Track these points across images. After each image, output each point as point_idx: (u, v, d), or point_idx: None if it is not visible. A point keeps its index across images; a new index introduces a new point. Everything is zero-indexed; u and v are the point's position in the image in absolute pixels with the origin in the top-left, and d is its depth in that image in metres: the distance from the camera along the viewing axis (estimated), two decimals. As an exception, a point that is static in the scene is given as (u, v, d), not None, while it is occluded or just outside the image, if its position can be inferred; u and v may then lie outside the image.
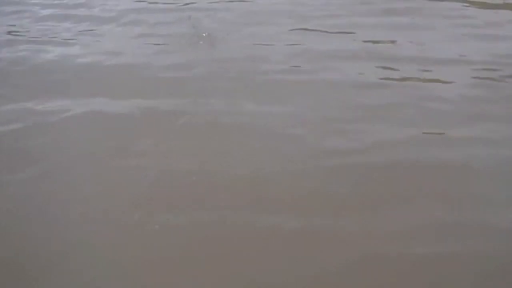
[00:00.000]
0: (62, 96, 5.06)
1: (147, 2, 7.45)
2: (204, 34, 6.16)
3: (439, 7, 6.75)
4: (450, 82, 5.02)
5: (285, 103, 4.76)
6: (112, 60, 5.81)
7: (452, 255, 3.22)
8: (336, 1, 6.99)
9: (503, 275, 3.11)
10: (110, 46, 6.14)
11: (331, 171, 3.91)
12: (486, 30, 6.05)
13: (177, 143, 4.33)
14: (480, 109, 4.58)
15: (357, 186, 3.76)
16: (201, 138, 4.37)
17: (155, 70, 5.52)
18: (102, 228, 3.52)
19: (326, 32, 6.18)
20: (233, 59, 5.62)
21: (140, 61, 5.72)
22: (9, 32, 6.71)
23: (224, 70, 5.39)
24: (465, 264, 3.16)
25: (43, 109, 4.84)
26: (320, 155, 4.06)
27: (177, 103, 4.85)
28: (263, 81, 5.15)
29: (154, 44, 6.13)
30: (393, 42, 5.91)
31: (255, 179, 3.88)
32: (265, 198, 3.70)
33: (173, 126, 4.53)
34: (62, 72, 5.59)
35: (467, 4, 6.73)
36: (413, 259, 3.20)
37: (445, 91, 4.86)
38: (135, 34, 6.44)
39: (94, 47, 6.16)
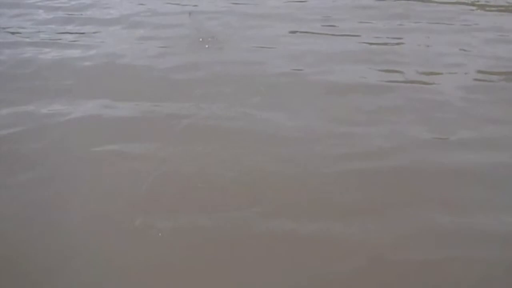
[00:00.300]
0: (65, 99, 5.05)
1: (150, 5, 7.44)
2: (209, 39, 6.14)
3: (444, 10, 6.73)
4: (454, 86, 5.01)
5: (288, 106, 4.75)
6: (115, 62, 5.81)
7: (454, 260, 3.21)
8: (340, 5, 6.97)
9: (505, 280, 3.10)
10: (113, 49, 6.13)
11: (334, 176, 3.89)
12: (490, 34, 6.04)
13: (179, 146, 4.31)
14: (483, 113, 4.57)
15: (360, 191, 3.74)
16: (203, 142, 4.34)
17: (158, 72, 5.51)
18: (102, 232, 3.50)
19: (330, 35, 6.19)
20: (236, 62, 5.62)
21: (143, 64, 5.72)
22: (12, 35, 6.71)
23: (227, 73, 5.38)
24: (466, 270, 3.15)
25: (46, 112, 4.83)
26: (323, 160, 4.05)
27: (180, 106, 4.85)
28: (267, 84, 5.13)
29: (158, 47, 6.13)
30: (397, 45, 5.91)
31: (257, 183, 3.86)
32: (267, 203, 3.68)
33: (175, 129, 4.51)
34: (65, 74, 5.58)
35: (473, 8, 6.70)
36: (415, 265, 3.19)
37: (448, 95, 4.85)
38: (138, 37, 6.44)
39: (97, 49, 6.15)
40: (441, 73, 5.25)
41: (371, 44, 5.92)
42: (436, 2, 6.92)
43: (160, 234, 3.43)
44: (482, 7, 6.71)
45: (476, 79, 5.12)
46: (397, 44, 5.91)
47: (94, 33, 6.63)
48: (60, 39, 6.47)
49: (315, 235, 3.41)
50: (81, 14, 7.20)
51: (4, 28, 6.89)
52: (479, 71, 5.24)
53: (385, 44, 5.92)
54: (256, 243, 3.39)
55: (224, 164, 4.06)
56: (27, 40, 6.47)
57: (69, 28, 6.80)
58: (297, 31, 6.32)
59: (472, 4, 6.77)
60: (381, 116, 4.58)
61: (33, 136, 4.50)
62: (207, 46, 6.02)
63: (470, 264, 3.18)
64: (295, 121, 4.54)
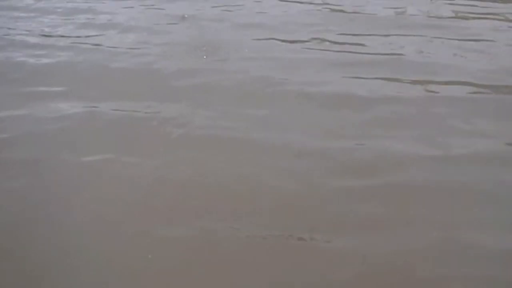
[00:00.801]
0: (60, 103, 5.04)
1: (148, 10, 7.40)
2: (204, 47, 6.10)
3: (444, 23, 6.71)
4: (452, 99, 4.97)
5: (285, 116, 4.74)
6: (111, 67, 5.78)
7: (453, 278, 3.20)
8: (338, 17, 6.95)
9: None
10: (109, 54, 6.10)
11: (328, 190, 3.88)
12: (489, 47, 6.02)
13: (174, 153, 4.31)
14: (480, 128, 4.53)
15: (355, 207, 3.71)
16: (198, 150, 4.34)
17: (154, 78, 5.50)
18: (97, 237, 3.51)
19: (327, 45, 6.16)
20: (232, 71, 5.58)
21: (139, 69, 5.70)
22: (8, 37, 6.68)
23: (223, 81, 5.35)
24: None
25: (41, 116, 4.82)
26: (320, 172, 4.03)
27: (175, 113, 4.83)
28: (263, 94, 5.11)
29: (153, 53, 6.07)
30: (394, 56, 5.88)
31: (253, 193, 3.86)
32: (264, 211, 3.69)
33: (171, 136, 4.51)
34: (60, 78, 5.55)
35: (473, 21, 6.67)
36: (413, 282, 3.17)
37: (445, 109, 4.83)
38: (134, 42, 6.40)
39: (92, 54, 6.11)
40: (439, 86, 5.23)
41: (367, 55, 5.90)
42: (435, 15, 6.90)
43: (150, 256, 3.39)
44: (481, 19, 6.70)
45: (474, 92, 5.09)
46: (394, 55, 5.89)
47: (90, 36, 6.59)
48: (54, 43, 6.43)
49: (312, 247, 3.42)
50: (76, 19, 7.15)
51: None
52: (478, 85, 5.19)
53: (382, 55, 5.90)
54: (253, 249, 3.41)
55: (220, 172, 4.07)
56: (22, 43, 6.43)
57: (63, 32, 6.75)
58: (293, 41, 6.29)
59: (473, 18, 6.76)
60: (375, 130, 4.54)
61: (29, 140, 4.50)
62: (204, 54, 5.98)
63: (469, 283, 3.16)
64: (290, 133, 4.51)
